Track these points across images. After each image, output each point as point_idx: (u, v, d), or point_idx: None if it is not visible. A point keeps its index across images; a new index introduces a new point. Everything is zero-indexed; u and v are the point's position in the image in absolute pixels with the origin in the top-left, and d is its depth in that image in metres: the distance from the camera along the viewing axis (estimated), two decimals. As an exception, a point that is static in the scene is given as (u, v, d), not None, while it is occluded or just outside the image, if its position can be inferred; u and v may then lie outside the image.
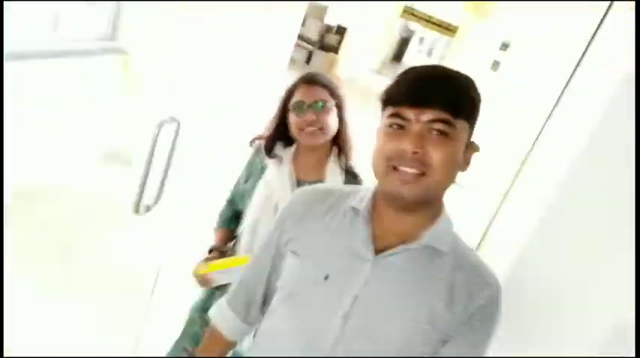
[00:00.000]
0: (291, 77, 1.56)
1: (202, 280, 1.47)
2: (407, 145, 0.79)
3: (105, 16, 3.80)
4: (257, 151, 1.56)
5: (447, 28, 16.38)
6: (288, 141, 1.51)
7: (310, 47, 13.28)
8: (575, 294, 1.17)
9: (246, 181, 1.55)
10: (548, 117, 1.51)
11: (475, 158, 0.90)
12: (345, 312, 0.86)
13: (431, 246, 0.85)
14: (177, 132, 1.59)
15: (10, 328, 2.33)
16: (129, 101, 3.97)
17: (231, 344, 1.11)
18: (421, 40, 30.99)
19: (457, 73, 0.84)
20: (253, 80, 4.22)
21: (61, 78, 3.42)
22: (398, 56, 24.11)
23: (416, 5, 15.39)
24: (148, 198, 1.63)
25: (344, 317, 0.86)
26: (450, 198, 0.89)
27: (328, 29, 14.54)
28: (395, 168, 0.82)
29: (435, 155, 0.80)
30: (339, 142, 1.47)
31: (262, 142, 1.54)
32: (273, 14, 4.75)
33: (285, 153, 1.50)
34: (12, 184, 3.22)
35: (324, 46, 14.01)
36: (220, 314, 1.11)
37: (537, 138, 1.51)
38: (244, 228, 1.50)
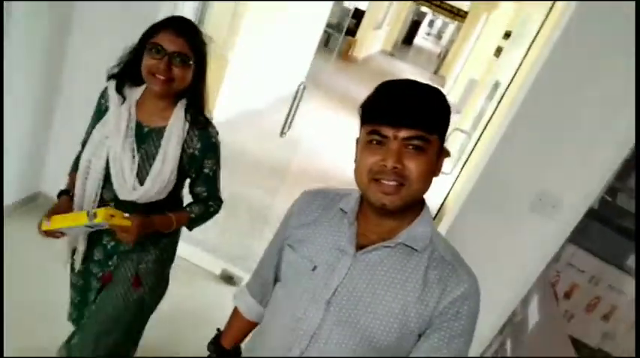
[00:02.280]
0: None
1: (45, 235, 1.36)
2: (387, 161, 0.85)
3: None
4: (102, 93, 1.47)
5: (457, 14, 17.18)
6: (138, 80, 1.40)
7: (330, 30, 14.05)
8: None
9: (93, 126, 1.45)
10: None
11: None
12: (327, 300, 0.93)
13: (405, 244, 0.93)
14: (302, 92, 2.83)
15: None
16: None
17: (252, 325, 1.21)
18: (431, 22, 31.22)
19: (429, 89, 0.89)
20: (290, 62, 5.57)
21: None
22: (409, 39, 24.49)
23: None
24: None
25: (326, 304, 0.93)
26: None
27: (346, 13, 15.34)
28: (376, 180, 0.88)
29: (413, 168, 0.86)
30: (190, 96, 1.40)
31: (108, 84, 1.44)
32: (309, 6, 5.94)
33: (132, 94, 1.42)
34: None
35: (342, 29, 14.86)
36: (241, 296, 1.22)
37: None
38: (79, 171, 1.43)
